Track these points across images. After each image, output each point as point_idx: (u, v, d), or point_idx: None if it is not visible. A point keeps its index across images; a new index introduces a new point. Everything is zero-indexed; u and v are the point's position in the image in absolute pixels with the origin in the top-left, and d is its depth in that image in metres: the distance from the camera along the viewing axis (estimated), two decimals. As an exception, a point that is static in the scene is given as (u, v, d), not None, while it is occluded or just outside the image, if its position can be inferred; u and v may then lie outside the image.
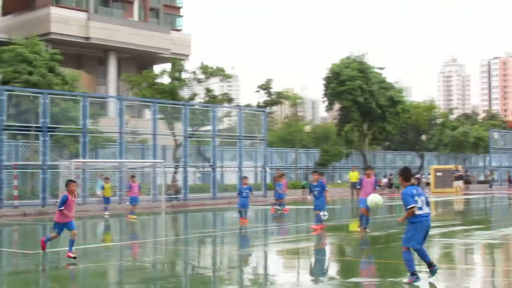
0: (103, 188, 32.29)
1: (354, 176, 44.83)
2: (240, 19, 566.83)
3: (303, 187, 49.36)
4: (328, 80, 66.40)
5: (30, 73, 40.67)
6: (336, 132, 72.51)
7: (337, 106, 69.62)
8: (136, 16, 77.90)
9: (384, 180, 56.31)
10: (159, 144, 44.26)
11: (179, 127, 45.45)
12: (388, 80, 70.26)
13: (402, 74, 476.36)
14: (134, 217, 28.14)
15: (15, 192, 35.30)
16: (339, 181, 67.09)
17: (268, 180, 50.13)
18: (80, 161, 36.25)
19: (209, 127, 46.11)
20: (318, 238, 19.90)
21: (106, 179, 33.17)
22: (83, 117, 38.22)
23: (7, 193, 35.41)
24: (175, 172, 44.75)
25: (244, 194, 25.33)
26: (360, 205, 20.56)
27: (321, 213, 21.56)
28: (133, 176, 31.17)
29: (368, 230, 19.98)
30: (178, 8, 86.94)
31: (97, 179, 39.21)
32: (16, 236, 24.54)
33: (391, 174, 61.46)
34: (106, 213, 31.03)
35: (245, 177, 28.14)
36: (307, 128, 69.04)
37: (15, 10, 71.52)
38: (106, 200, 31.68)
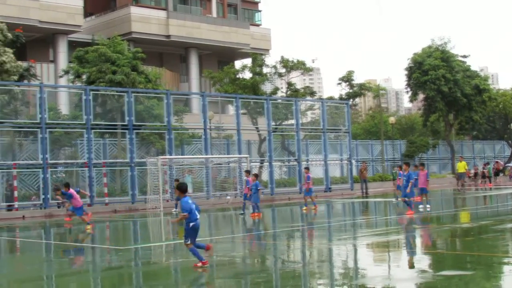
0: None
1: (462, 166, 44.57)
2: (319, 11, 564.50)
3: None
4: (411, 70, 65.27)
5: (114, 73, 41.36)
6: (421, 122, 71.22)
7: (421, 96, 68.35)
8: (214, 13, 78.37)
9: (472, 171, 54.96)
10: (244, 139, 44.43)
11: (262, 121, 45.54)
12: (473, 68, 68.48)
13: (487, 61, 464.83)
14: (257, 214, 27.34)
15: (105, 190, 36.14)
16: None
17: (354, 173, 49.55)
18: (166, 158, 36.73)
19: (292, 121, 46.00)
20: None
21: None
22: (167, 114, 38.72)
23: (97, 190, 36.27)
24: (261, 167, 44.91)
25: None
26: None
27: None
28: (247, 171, 31.47)
29: None
30: (256, 3, 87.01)
31: (184, 175, 39.70)
32: (108, 232, 25.02)
33: (485, 164, 59.68)
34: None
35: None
36: (392, 120, 68.01)
37: (96, 11, 73.10)
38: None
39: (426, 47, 65.84)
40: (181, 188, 13.29)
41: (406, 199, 24.73)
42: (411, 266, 13.14)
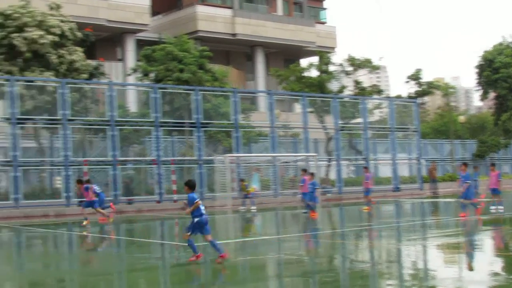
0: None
1: None
2: (384, 8, 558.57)
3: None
4: (481, 68, 64.09)
5: (181, 71, 41.73)
6: (492, 121, 69.73)
7: (492, 94, 66.95)
8: (280, 11, 78.32)
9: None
10: (311, 137, 44.19)
11: (329, 120, 45.26)
12: (546, 65, 66.60)
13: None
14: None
15: (174, 187, 36.45)
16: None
17: (423, 172, 48.71)
18: (234, 156, 36.85)
19: (360, 120, 45.57)
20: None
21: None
22: (234, 112, 38.85)
23: (166, 187, 36.63)
24: (328, 165, 44.67)
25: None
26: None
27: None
28: (304, 170, 31.21)
29: None
30: (321, 1, 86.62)
31: (252, 173, 39.77)
32: (176, 229, 25.23)
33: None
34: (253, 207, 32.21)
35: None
36: (462, 119, 66.79)
37: (163, 10, 73.87)
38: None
39: (497, 44, 64.55)
40: (189, 184, 13.80)
41: (462, 200, 23.98)
42: (483, 268, 12.80)
